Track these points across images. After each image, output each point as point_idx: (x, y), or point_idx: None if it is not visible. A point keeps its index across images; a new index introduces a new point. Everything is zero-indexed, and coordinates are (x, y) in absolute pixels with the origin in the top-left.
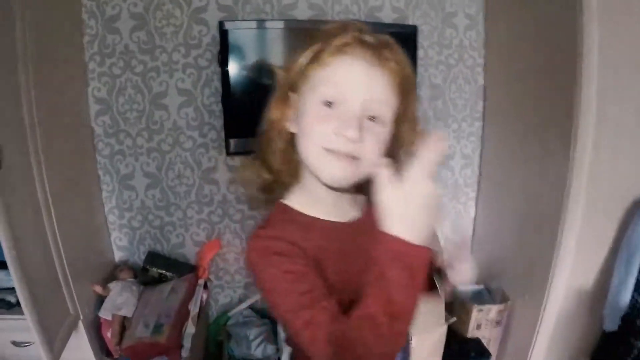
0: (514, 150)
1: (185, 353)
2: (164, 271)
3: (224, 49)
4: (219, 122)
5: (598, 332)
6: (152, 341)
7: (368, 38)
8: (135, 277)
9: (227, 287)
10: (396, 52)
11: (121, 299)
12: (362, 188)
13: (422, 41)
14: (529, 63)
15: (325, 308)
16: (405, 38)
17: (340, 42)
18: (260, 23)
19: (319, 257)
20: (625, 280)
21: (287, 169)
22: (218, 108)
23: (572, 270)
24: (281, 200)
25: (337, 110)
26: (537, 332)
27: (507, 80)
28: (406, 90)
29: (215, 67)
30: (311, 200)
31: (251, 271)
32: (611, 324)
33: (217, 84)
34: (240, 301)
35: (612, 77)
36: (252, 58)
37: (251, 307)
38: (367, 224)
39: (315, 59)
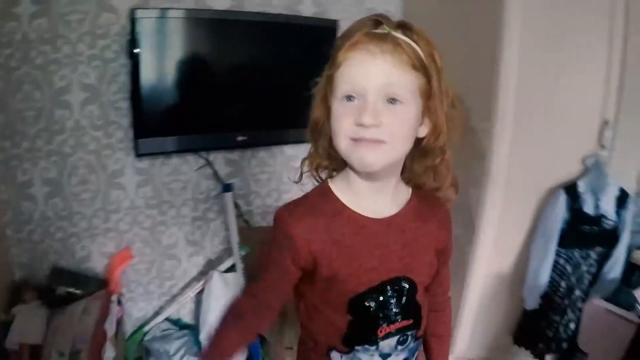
0: None
1: None
2: (72, 289)
3: (135, 39)
4: (126, 121)
5: (519, 310)
6: None
7: (378, 30)
8: (40, 298)
9: (141, 300)
10: (411, 33)
11: (28, 325)
12: (410, 178)
13: None
14: (448, 63)
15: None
16: (326, 32)
17: (350, 42)
18: (175, 12)
19: (326, 250)
20: (543, 262)
21: (331, 162)
22: (125, 105)
23: (492, 255)
24: (329, 180)
25: (356, 102)
26: (461, 314)
27: None
28: (425, 65)
29: (124, 60)
30: (349, 191)
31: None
32: (532, 303)
33: (124, 78)
34: (156, 314)
35: (528, 78)
36: (166, 49)
37: (168, 319)
38: (400, 221)
39: (333, 61)
